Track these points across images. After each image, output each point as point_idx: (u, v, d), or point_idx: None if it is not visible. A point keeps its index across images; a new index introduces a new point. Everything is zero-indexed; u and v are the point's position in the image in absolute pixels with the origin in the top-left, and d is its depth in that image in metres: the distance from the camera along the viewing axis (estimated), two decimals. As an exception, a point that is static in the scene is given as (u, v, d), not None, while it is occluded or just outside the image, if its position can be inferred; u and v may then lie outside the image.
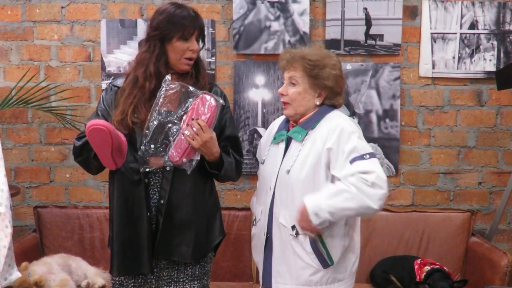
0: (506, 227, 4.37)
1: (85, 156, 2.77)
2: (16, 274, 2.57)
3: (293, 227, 2.68)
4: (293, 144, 2.74)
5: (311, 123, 2.72)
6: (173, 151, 2.69)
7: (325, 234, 2.64)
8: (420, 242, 4.12)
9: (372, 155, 2.57)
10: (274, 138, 2.86)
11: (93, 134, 2.52)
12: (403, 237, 4.13)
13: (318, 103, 2.74)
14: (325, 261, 2.67)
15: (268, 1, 4.15)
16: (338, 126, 2.64)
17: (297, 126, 2.76)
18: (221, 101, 2.74)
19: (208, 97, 2.70)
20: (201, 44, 2.85)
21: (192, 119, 2.66)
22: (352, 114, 4.22)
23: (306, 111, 2.74)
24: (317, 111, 2.74)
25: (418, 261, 3.89)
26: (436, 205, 4.33)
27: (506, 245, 4.34)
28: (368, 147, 2.61)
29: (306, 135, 2.71)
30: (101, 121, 2.54)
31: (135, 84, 2.79)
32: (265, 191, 2.83)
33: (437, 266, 3.82)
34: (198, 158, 2.71)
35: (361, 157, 2.55)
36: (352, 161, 2.56)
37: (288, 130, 2.81)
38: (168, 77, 2.70)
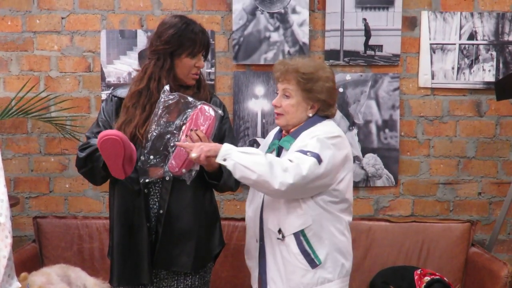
0: (506, 238, 4.36)
1: (90, 167, 2.77)
2: (16, 285, 2.56)
3: (279, 231, 2.73)
4: (283, 153, 2.80)
5: (299, 132, 2.78)
6: (172, 161, 2.69)
7: (309, 234, 2.70)
8: (420, 253, 4.11)
9: (314, 155, 2.61)
10: (269, 148, 2.92)
11: (107, 144, 2.52)
12: (403, 247, 4.12)
13: (310, 114, 2.80)
14: (313, 260, 2.71)
15: (268, 12, 4.16)
16: (316, 131, 2.72)
17: (287, 135, 2.82)
18: (220, 111, 2.75)
19: (207, 107, 2.72)
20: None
21: (191, 130, 2.67)
22: (352, 124, 4.22)
23: (299, 122, 2.80)
24: (308, 121, 2.80)
25: (418, 271, 3.89)
26: (435, 215, 4.33)
27: (506, 256, 4.34)
28: (320, 151, 2.63)
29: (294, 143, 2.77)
30: (113, 131, 2.55)
31: (149, 98, 2.79)
32: (256, 199, 2.88)
33: (437, 277, 3.81)
34: (198, 168, 2.72)
35: (304, 152, 2.62)
36: (295, 151, 2.66)
37: (280, 139, 2.87)
38: (167, 87, 2.70)
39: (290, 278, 2.73)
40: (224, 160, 2.57)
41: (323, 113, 2.81)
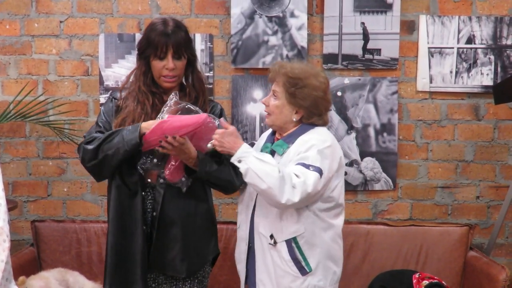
0: (504, 241, 4.37)
1: (100, 158, 2.73)
2: (13, 289, 2.56)
3: (271, 236, 2.75)
4: (276, 157, 2.80)
5: (293, 138, 2.80)
6: (170, 168, 2.71)
7: (301, 241, 2.72)
8: (418, 256, 4.11)
9: (317, 169, 2.63)
10: (261, 150, 2.92)
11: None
12: (401, 251, 4.12)
13: (295, 119, 2.81)
14: (303, 268, 2.74)
15: (266, 16, 4.17)
16: (311, 139, 2.73)
17: (280, 139, 2.84)
18: (222, 121, 2.79)
19: (211, 119, 2.73)
20: (181, 60, 2.81)
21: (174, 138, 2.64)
22: (350, 128, 4.22)
23: (284, 124, 2.82)
24: (300, 126, 2.82)
25: (417, 275, 3.88)
26: (434, 219, 4.33)
27: (504, 259, 4.33)
28: (321, 163, 2.66)
29: (287, 149, 2.79)
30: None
31: (137, 101, 2.81)
32: (248, 201, 2.89)
33: (435, 281, 3.81)
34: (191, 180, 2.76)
35: (306, 166, 2.64)
36: (297, 164, 2.66)
37: (273, 143, 2.89)
38: (175, 93, 2.72)
39: (280, 282, 2.76)
40: (239, 161, 2.62)
41: (307, 121, 2.82)
